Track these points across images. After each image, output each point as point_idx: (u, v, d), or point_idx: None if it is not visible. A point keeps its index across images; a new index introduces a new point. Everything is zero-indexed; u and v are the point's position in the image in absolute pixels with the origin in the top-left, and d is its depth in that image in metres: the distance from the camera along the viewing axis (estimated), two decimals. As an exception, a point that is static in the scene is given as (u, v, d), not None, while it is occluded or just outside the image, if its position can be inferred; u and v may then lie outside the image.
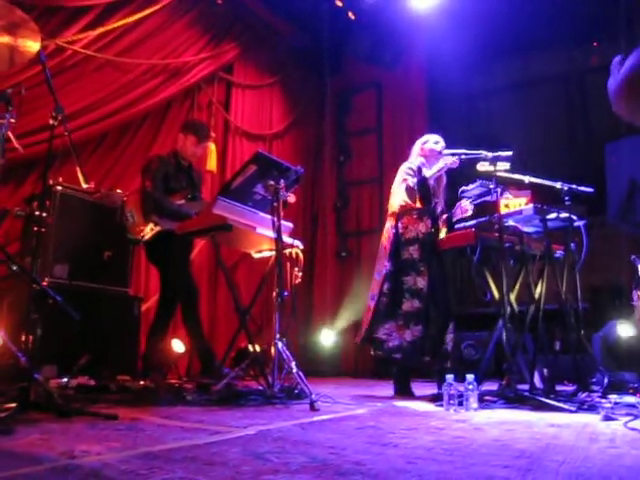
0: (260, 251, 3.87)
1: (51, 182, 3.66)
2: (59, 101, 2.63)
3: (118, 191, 4.06)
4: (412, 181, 3.86)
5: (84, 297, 3.70)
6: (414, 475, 1.42)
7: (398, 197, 3.90)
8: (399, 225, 3.85)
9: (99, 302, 3.86)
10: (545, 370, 3.45)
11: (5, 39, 2.47)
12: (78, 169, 2.73)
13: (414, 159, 4.04)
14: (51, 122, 2.59)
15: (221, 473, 1.39)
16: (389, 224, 3.95)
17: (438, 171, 3.83)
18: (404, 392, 3.78)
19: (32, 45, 2.50)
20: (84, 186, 2.81)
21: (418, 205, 3.86)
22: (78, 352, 3.33)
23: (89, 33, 4.48)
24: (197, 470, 1.40)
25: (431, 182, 3.90)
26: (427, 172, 3.85)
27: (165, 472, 1.37)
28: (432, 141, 4.01)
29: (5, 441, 1.70)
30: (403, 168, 3.98)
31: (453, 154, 3.73)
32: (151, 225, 3.72)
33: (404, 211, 3.85)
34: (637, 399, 3.39)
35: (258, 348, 3.47)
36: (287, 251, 3.66)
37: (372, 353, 3.83)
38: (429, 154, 3.98)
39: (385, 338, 3.71)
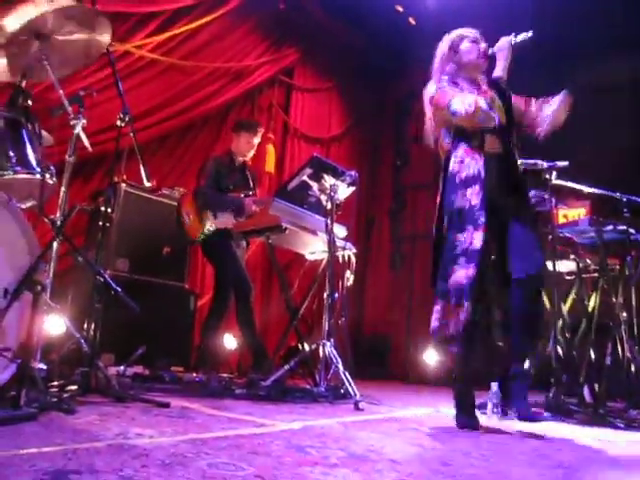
0: (314, 252, 3.94)
1: (116, 179, 3.84)
2: (126, 103, 2.78)
3: (181, 189, 4.23)
4: None
5: (143, 290, 3.83)
6: (447, 476, 1.44)
7: None
8: None
9: (157, 295, 4.00)
10: (595, 385, 3.36)
11: (82, 35, 2.60)
12: (141, 167, 2.86)
13: None
14: (118, 123, 2.73)
15: (263, 462, 1.45)
16: None
17: None
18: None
19: (105, 37, 2.63)
20: (146, 184, 2.94)
21: None
22: (135, 342, 3.47)
23: (154, 38, 4.66)
24: (241, 457, 1.47)
25: None
26: None
27: (210, 457, 1.45)
28: None
29: (68, 419, 1.82)
30: None
31: None
32: (207, 226, 3.85)
33: None
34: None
35: (307, 347, 3.53)
36: (340, 254, 3.71)
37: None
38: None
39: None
